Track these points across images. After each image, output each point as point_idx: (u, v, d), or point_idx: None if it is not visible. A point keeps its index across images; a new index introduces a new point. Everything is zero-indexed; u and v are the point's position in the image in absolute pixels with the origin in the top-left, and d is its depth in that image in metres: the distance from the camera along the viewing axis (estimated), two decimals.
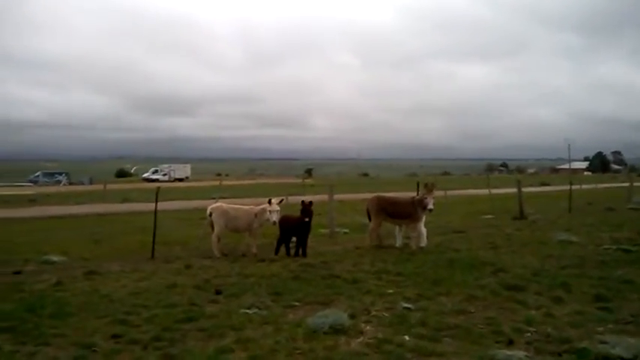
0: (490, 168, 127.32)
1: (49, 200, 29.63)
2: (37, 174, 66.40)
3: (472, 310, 5.89)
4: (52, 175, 66.22)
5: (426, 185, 10.76)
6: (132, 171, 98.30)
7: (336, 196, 12.76)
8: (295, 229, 9.76)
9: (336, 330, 5.11)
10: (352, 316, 5.57)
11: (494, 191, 27.41)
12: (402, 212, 10.64)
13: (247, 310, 5.93)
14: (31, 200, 30.59)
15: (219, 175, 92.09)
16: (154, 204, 10.61)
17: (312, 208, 9.68)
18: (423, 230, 10.38)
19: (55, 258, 9.49)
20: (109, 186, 47.25)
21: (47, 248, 10.71)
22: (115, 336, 5.04)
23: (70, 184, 60.34)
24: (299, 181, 55.83)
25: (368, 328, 5.31)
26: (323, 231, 11.86)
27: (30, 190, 44.92)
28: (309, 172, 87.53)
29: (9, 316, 5.72)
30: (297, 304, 6.28)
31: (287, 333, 5.12)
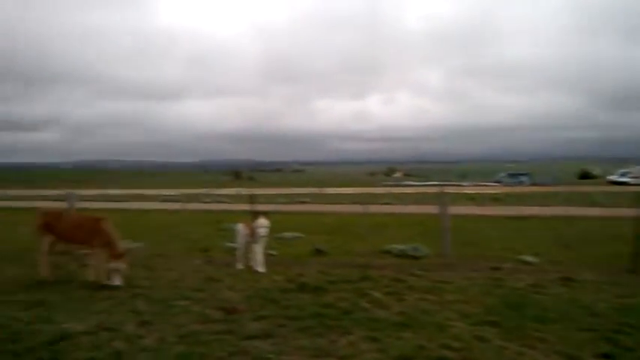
0: None
1: (512, 200, 31.08)
2: (501, 174, 71.08)
3: None
4: (515, 175, 69.37)
5: None
6: (595, 172, 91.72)
7: None
8: None
9: None
10: None
11: None
12: None
13: None
14: (495, 199, 32.85)
15: None
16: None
17: None
18: None
19: (528, 258, 9.73)
20: (572, 188, 45.90)
21: (518, 247, 11.13)
22: (604, 355, 4.66)
23: (532, 184, 61.66)
24: None
25: None
26: None
27: (493, 190, 48.49)
28: None
29: (492, 310, 6.16)
30: None
31: None
